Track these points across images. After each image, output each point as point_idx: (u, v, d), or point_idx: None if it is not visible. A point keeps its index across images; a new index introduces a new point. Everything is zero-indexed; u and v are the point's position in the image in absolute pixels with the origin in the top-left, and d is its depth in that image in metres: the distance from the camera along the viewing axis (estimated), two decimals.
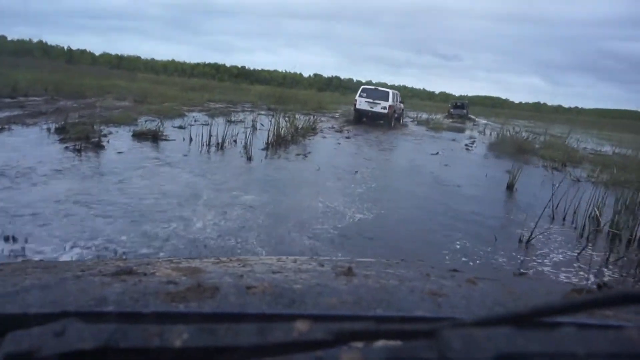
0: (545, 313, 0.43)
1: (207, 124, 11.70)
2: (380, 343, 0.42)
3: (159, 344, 0.42)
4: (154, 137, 10.07)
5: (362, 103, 18.85)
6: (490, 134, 20.63)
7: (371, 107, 18.65)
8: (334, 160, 9.99)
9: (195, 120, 14.42)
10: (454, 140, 16.95)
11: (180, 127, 12.55)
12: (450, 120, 30.94)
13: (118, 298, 0.61)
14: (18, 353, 0.41)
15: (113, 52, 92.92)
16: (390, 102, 18.64)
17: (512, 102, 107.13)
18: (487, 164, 11.97)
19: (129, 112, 14.24)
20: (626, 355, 0.39)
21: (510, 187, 8.52)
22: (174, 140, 10.38)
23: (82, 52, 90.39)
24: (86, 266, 0.87)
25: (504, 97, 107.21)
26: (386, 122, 18.75)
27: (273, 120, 11.72)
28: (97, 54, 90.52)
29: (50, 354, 0.41)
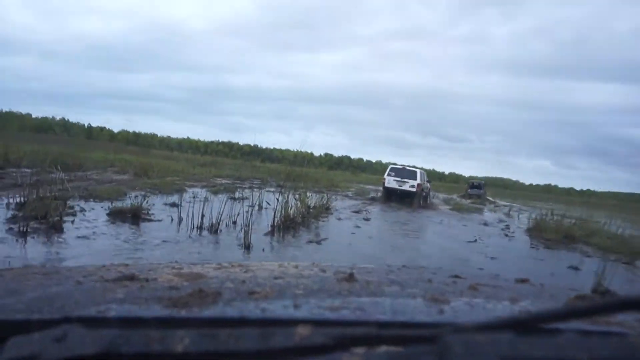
0: (547, 319, 0.43)
1: (207, 201, 9.88)
2: (382, 348, 0.42)
3: (160, 350, 0.42)
4: (135, 216, 8.15)
5: (390, 182, 18.89)
6: (518, 216, 18.59)
7: (399, 186, 18.63)
8: (354, 250, 7.97)
9: (194, 197, 12.60)
10: (485, 224, 14.81)
11: (173, 205, 10.67)
12: (469, 200, 29.15)
13: (120, 304, 0.60)
14: (20, 358, 0.41)
15: (131, 130, 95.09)
16: (418, 180, 18.58)
17: (523, 184, 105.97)
18: (540, 255, 9.77)
19: (122, 186, 12.55)
20: None
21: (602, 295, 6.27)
22: (160, 220, 8.47)
23: (102, 129, 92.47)
24: (88, 272, 0.87)
25: (514, 179, 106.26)
26: (415, 200, 18.27)
27: (281, 198, 9.83)
28: (115, 131, 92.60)
29: (51, 359, 0.41)
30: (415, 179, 18.63)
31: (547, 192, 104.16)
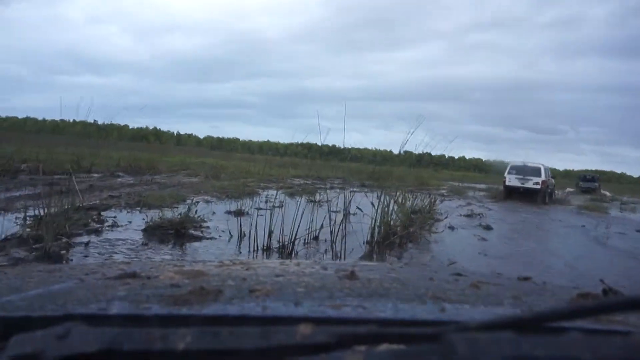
0: (551, 318, 0.42)
1: (281, 206, 7.47)
2: (384, 347, 0.41)
3: (162, 347, 0.42)
4: (179, 234, 5.83)
5: (512, 180, 17.67)
6: None
7: (522, 184, 17.28)
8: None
9: (267, 201, 10.28)
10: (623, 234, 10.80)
11: (238, 213, 8.32)
12: (589, 196, 24.63)
13: (121, 301, 0.60)
14: (22, 356, 0.41)
15: (215, 135, 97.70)
16: (543, 177, 17.30)
17: (631, 177, 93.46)
18: None
19: (186, 190, 10.56)
20: None
21: None
22: (212, 238, 6.07)
23: (189, 136, 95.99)
24: (90, 269, 0.87)
25: (618, 171, 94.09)
26: (539, 198, 16.83)
27: (376, 202, 7.06)
28: (201, 137, 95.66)
29: (53, 357, 0.40)
30: (539, 175, 17.27)
31: None
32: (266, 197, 11.22)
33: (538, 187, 17.03)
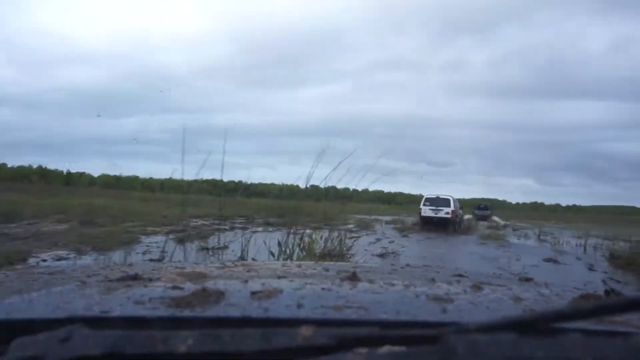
0: (552, 319, 0.42)
1: (159, 260, 5.67)
2: (385, 348, 0.41)
3: (164, 350, 0.41)
4: None
5: (426, 211, 19.23)
6: (560, 242, 14.55)
7: (435, 214, 18.88)
8: None
9: (145, 252, 8.31)
10: (554, 260, 10.54)
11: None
12: (486, 222, 25.79)
13: (123, 304, 0.59)
14: (25, 359, 0.41)
15: (113, 174, 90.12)
16: (452, 207, 18.84)
17: (510, 203, 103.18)
18: None
19: (37, 244, 8.18)
20: None
21: None
22: None
23: (80, 175, 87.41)
24: (92, 272, 0.88)
25: (500, 199, 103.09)
26: (450, 226, 18.33)
27: (280, 244, 5.60)
28: (96, 175, 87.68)
29: (56, 359, 0.40)
30: (449, 206, 18.91)
31: (535, 209, 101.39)
32: (148, 245, 9.21)
33: (449, 216, 18.68)
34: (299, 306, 0.59)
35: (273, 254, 5.51)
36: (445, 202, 19.11)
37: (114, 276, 0.78)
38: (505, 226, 26.33)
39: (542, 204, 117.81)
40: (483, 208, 33.46)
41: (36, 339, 0.43)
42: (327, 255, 7.86)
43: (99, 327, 0.45)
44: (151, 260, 7.23)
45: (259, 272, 0.85)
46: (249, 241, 6.11)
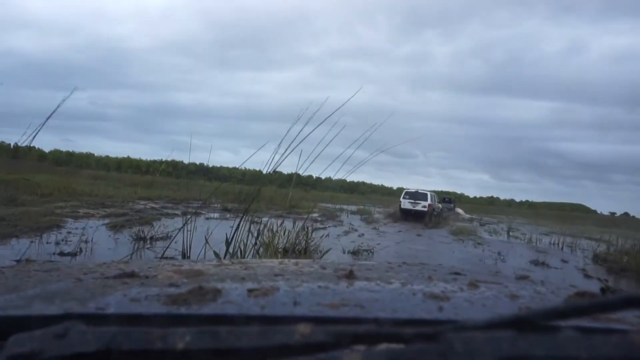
0: (548, 317, 0.42)
1: (74, 254, 4.01)
2: (383, 346, 0.40)
3: (161, 347, 0.41)
4: None
5: (406, 204, 20.71)
6: (535, 240, 13.70)
7: (414, 207, 20.28)
8: None
9: (59, 242, 6.52)
10: (544, 265, 9.41)
11: None
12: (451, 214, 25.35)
13: (120, 301, 0.59)
14: (21, 355, 0.40)
15: (65, 150, 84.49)
16: (429, 201, 20.42)
17: (468, 197, 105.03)
18: None
19: None
20: None
21: None
22: None
23: (30, 149, 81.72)
24: (88, 269, 0.86)
25: (459, 192, 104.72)
26: (427, 218, 19.22)
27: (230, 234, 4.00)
28: (47, 150, 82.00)
29: (52, 356, 0.40)
30: (426, 200, 20.41)
31: (491, 204, 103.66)
32: (69, 233, 7.41)
33: (425, 209, 20.02)
34: (296, 304, 0.59)
35: (217, 255, 3.95)
36: (423, 196, 20.79)
37: (110, 273, 0.78)
38: (471, 220, 25.76)
39: (497, 198, 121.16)
40: (448, 201, 33.63)
41: (33, 335, 0.42)
42: (291, 251, 6.41)
43: (96, 323, 0.45)
44: (62, 254, 5.50)
45: (256, 270, 0.84)
46: (194, 230, 4.52)
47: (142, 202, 15.77)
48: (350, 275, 0.78)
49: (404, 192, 21.55)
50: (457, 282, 0.81)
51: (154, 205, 14.86)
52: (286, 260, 0.99)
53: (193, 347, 0.40)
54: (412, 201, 20.52)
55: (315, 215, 18.02)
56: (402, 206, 20.91)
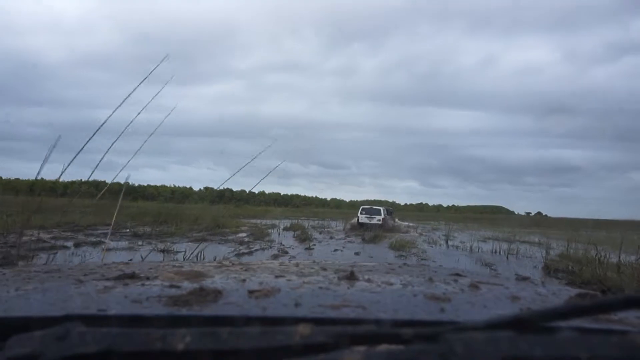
0: (548, 317, 0.42)
1: None
2: (383, 347, 0.40)
3: (161, 348, 0.40)
4: None
5: (363, 218, 23.31)
6: (472, 246, 12.84)
7: (369, 220, 22.87)
8: None
9: None
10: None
11: None
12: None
13: (121, 302, 0.58)
14: (21, 356, 0.40)
15: None
16: (382, 215, 23.41)
17: (399, 204, 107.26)
18: None
19: None
20: None
21: None
22: None
23: None
24: (89, 270, 0.85)
25: (390, 200, 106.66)
26: (382, 230, 20.38)
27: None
28: None
29: (53, 357, 0.40)
30: (380, 214, 23.43)
31: (420, 210, 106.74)
32: None
33: (380, 222, 22.78)
34: (297, 305, 0.58)
35: None
36: (377, 211, 24.00)
37: (111, 275, 0.77)
38: (408, 229, 25.18)
39: (426, 204, 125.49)
40: (388, 212, 33.57)
41: (33, 336, 0.42)
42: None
43: (96, 325, 0.44)
44: None
45: (256, 271, 0.84)
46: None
47: (32, 232, 12.98)
48: (351, 277, 0.78)
49: (360, 208, 24.73)
50: (458, 284, 0.80)
51: (44, 236, 12.15)
52: (287, 262, 1.01)
53: (193, 348, 0.40)
54: (368, 216, 23.53)
55: (242, 235, 16.08)
56: (359, 220, 23.58)
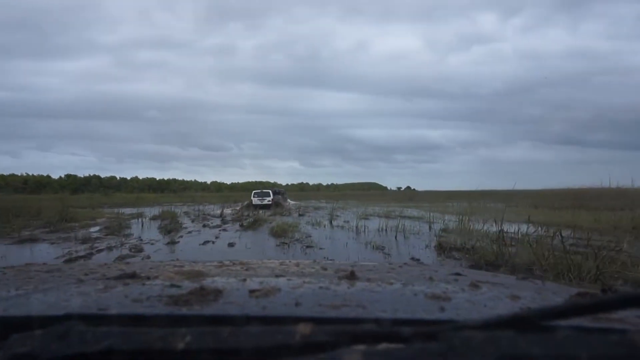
0: (548, 316, 0.42)
1: None
2: (383, 346, 0.39)
3: (162, 347, 0.40)
4: None
5: (255, 200, 26.63)
6: (357, 226, 11.92)
7: (261, 202, 26.37)
8: None
9: None
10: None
11: None
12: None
13: (121, 301, 0.58)
14: (21, 355, 0.40)
15: None
16: (271, 197, 27.27)
17: (281, 185, 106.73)
18: None
19: None
20: (629, 359, 0.36)
21: None
22: None
23: None
24: (90, 270, 0.85)
25: (272, 181, 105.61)
26: (272, 208, 23.41)
27: None
28: None
29: (53, 356, 0.39)
30: (269, 196, 27.22)
31: (302, 189, 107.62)
32: None
33: (270, 202, 26.22)
34: (297, 304, 0.58)
35: None
36: (267, 194, 27.89)
37: (111, 274, 0.76)
38: (296, 208, 24.31)
39: (307, 184, 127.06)
40: (279, 193, 33.49)
41: (33, 335, 0.42)
42: None
43: (97, 324, 0.44)
44: None
45: (257, 270, 0.84)
46: None
47: None
48: (351, 276, 0.78)
49: (253, 192, 28.63)
50: (458, 283, 0.79)
51: None
52: (287, 261, 0.99)
53: (194, 347, 0.39)
54: (260, 198, 26.96)
55: (94, 229, 13.01)
56: (253, 202, 26.22)
